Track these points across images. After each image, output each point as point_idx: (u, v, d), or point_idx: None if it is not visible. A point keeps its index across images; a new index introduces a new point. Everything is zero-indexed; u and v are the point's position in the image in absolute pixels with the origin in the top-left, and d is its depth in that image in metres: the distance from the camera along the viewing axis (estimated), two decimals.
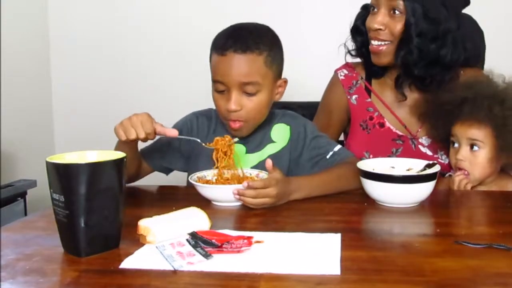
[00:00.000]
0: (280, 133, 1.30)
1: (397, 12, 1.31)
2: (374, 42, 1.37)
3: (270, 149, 1.28)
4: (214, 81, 1.21)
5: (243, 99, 1.18)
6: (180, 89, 2.31)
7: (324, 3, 2.22)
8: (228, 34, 1.20)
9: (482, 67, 1.50)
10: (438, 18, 1.30)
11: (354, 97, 1.49)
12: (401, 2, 1.29)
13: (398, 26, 1.32)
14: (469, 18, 1.48)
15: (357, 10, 1.47)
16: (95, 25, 2.37)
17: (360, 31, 1.44)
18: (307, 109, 1.63)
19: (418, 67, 1.34)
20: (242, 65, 1.16)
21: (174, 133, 1.13)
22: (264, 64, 1.18)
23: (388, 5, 1.32)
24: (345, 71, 1.52)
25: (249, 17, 2.20)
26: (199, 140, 1.19)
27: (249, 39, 1.18)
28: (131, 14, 2.35)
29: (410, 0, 1.28)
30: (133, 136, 1.08)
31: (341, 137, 1.60)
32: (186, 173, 1.31)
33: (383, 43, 1.35)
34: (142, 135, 1.08)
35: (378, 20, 1.33)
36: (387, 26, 1.33)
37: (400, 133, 1.45)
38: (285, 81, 1.27)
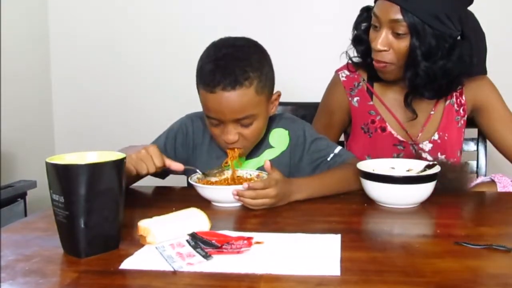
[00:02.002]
0: (279, 138, 1.29)
1: (400, 33, 1.26)
2: (379, 64, 1.33)
3: (268, 154, 1.27)
4: (207, 116, 1.17)
5: (239, 129, 1.16)
6: (180, 89, 2.30)
7: (324, 3, 2.21)
8: (215, 67, 1.12)
9: (484, 70, 1.44)
10: (443, 34, 1.25)
11: (355, 99, 1.46)
12: (404, 24, 1.24)
13: (403, 46, 1.27)
14: (472, 19, 1.41)
15: (358, 10, 1.42)
16: (95, 24, 2.37)
17: (362, 40, 1.39)
18: (308, 109, 1.62)
19: (427, 89, 1.32)
20: (233, 103, 1.11)
21: (180, 167, 1.12)
22: (256, 93, 1.13)
23: (390, 27, 1.27)
24: (347, 72, 1.49)
25: (249, 18, 2.21)
26: (214, 170, 1.20)
27: (237, 70, 1.11)
28: (131, 14, 2.35)
29: (413, 21, 1.23)
30: (144, 171, 1.07)
31: (341, 138, 1.59)
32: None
33: (387, 64, 1.32)
34: (152, 170, 1.07)
35: (381, 42, 1.28)
36: (391, 46, 1.29)
37: (401, 139, 1.42)
38: (279, 95, 1.24)
